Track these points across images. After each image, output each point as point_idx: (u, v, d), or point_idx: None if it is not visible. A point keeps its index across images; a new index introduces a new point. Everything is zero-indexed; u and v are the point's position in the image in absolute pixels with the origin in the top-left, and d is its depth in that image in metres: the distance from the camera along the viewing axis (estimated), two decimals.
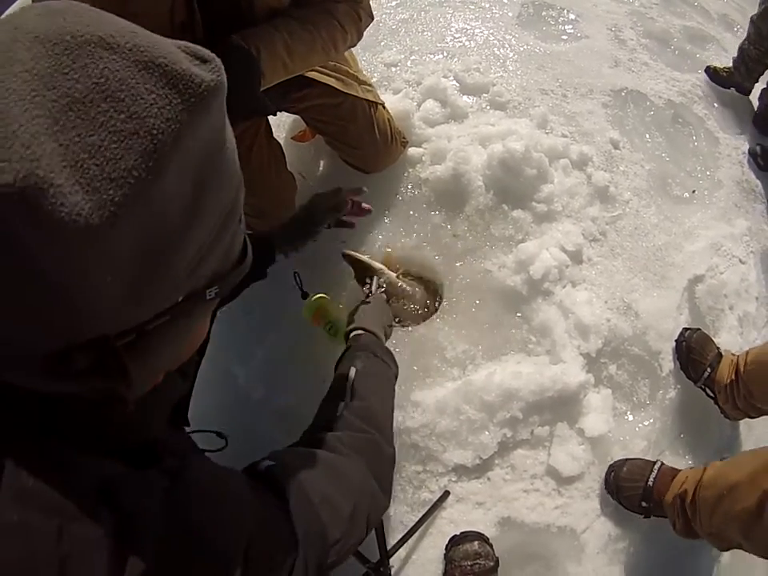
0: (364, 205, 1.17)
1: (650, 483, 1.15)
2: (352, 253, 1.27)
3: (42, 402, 0.37)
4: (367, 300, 1.13)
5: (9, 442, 0.35)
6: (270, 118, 1.36)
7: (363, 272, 1.26)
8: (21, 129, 0.26)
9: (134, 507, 0.37)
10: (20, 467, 0.34)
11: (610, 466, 1.23)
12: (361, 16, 1.13)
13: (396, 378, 0.96)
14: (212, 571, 0.42)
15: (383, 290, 1.22)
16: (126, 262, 0.31)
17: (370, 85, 1.38)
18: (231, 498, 0.48)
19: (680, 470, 1.16)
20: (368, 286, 1.22)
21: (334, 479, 0.66)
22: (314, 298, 1.22)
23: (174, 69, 0.31)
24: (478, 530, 1.17)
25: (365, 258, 1.27)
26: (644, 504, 1.16)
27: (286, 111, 1.36)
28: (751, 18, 1.90)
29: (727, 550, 1.03)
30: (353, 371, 0.85)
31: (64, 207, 0.27)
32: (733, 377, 1.23)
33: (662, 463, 1.19)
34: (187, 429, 0.70)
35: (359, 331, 0.99)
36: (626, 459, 1.22)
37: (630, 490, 1.18)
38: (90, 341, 0.33)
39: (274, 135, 1.39)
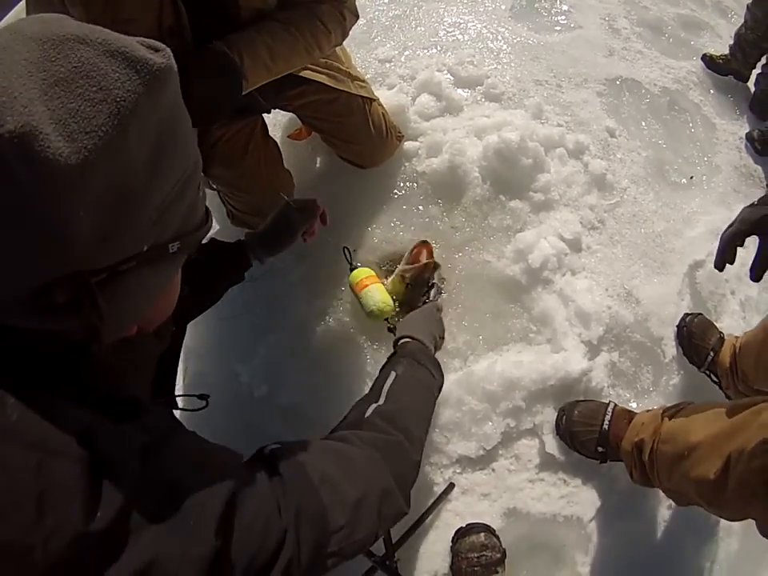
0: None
1: (605, 427, 1.14)
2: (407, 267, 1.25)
3: (24, 349, 0.42)
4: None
5: None
6: (266, 117, 1.37)
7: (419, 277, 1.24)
8: (20, 95, 0.36)
9: (113, 454, 0.41)
10: (5, 404, 0.38)
11: (560, 409, 1.21)
12: (345, 15, 1.13)
13: (440, 389, 0.92)
14: (183, 527, 0.42)
15: (441, 295, 1.19)
16: (98, 202, 0.39)
17: (363, 81, 1.39)
18: (212, 462, 0.50)
19: (635, 413, 1.14)
20: (425, 294, 1.20)
21: (339, 464, 0.64)
22: (359, 270, 1.24)
23: (133, 54, 0.40)
24: (484, 522, 1.16)
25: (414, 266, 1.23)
26: (600, 449, 1.14)
27: (281, 109, 1.37)
28: (747, 4, 1.90)
29: (686, 506, 1.00)
30: (392, 375, 0.84)
31: (49, 150, 0.35)
32: (731, 360, 1.22)
33: (615, 404, 1.18)
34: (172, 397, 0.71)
35: (406, 339, 0.98)
36: (577, 401, 1.21)
37: (584, 434, 1.16)
38: (66, 276, 0.39)
39: (271, 134, 1.39)
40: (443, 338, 1.07)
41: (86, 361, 0.44)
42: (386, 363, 0.93)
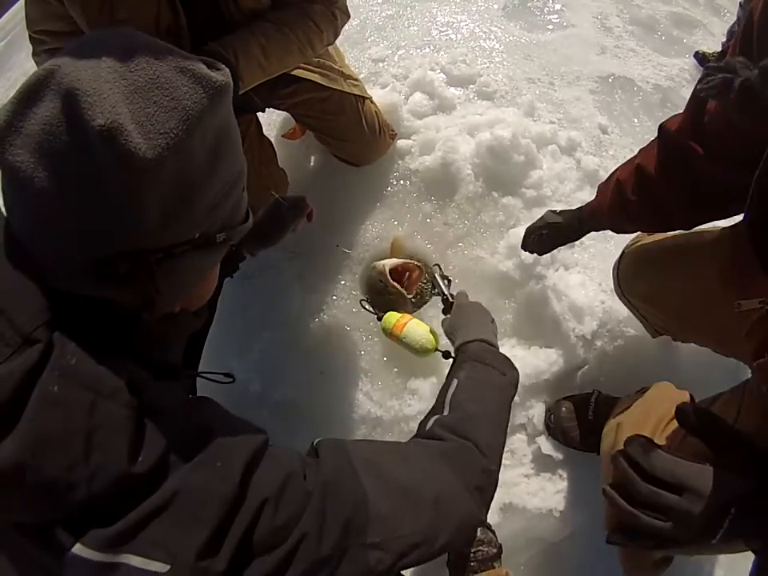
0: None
1: (590, 417, 1.14)
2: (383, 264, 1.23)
3: (86, 313, 0.47)
4: (449, 302, 1.08)
5: (61, 331, 0.44)
6: (261, 117, 1.38)
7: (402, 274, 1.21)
8: (109, 97, 0.43)
9: (158, 403, 0.46)
10: (67, 350, 0.44)
11: (546, 410, 1.21)
12: (337, 15, 1.14)
13: (515, 386, 0.84)
14: (210, 466, 0.46)
15: (448, 281, 1.13)
16: (165, 191, 0.45)
17: (356, 79, 1.40)
18: (241, 423, 0.54)
19: (616, 399, 1.12)
20: (434, 289, 1.14)
21: (390, 455, 0.61)
22: (388, 315, 1.18)
23: (199, 72, 0.48)
24: None
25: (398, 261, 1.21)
26: (592, 440, 1.10)
27: (275, 108, 1.38)
28: (740, 2, 1.90)
29: None
30: (454, 383, 0.78)
31: (131, 144, 0.42)
32: None
33: (599, 393, 1.18)
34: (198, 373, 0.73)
35: (469, 341, 0.90)
36: (562, 399, 1.20)
37: (574, 429, 1.16)
38: (130, 252, 0.46)
39: (265, 134, 1.40)
40: (494, 320, 0.99)
41: (137, 327, 0.50)
42: (449, 372, 0.85)
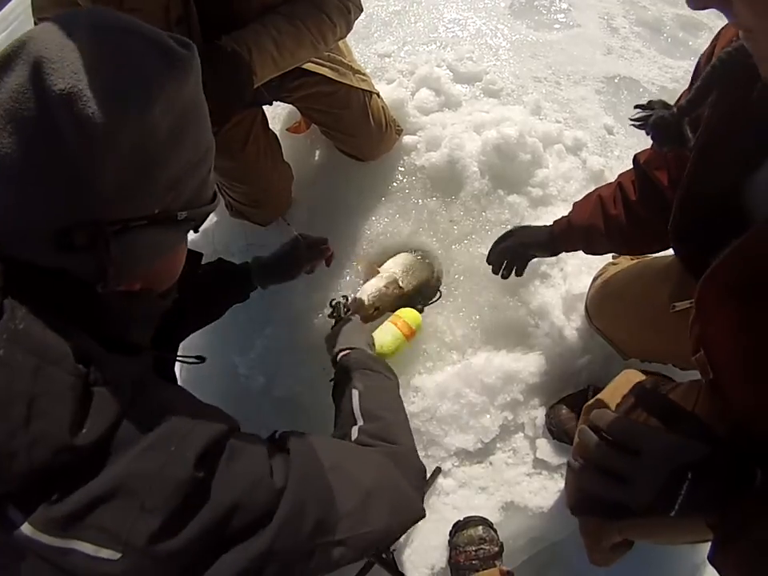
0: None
1: None
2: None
3: (41, 283, 0.47)
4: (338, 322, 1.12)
5: (12, 297, 0.45)
6: (266, 110, 1.37)
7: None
8: (72, 64, 0.43)
9: (108, 376, 0.45)
10: (16, 315, 0.43)
11: (546, 415, 1.21)
12: (350, 8, 1.14)
13: (398, 386, 0.92)
14: (163, 450, 0.45)
15: (348, 311, 1.17)
16: (122, 160, 0.45)
17: (364, 74, 1.39)
18: (204, 409, 0.52)
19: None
20: (332, 311, 1.17)
21: (350, 455, 0.64)
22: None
23: (165, 45, 0.48)
24: (482, 515, 1.16)
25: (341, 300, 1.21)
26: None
27: (281, 101, 1.37)
28: None
29: None
30: (355, 394, 0.81)
31: (89, 109, 0.43)
32: None
33: (594, 387, 1.18)
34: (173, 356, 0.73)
35: (346, 351, 0.97)
36: (558, 401, 1.21)
37: (576, 428, 1.17)
38: (87, 222, 0.46)
39: (270, 127, 1.39)
40: (372, 344, 1.07)
41: (92, 300, 0.50)
42: (336, 383, 0.90)
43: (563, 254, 1.34)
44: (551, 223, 1.08)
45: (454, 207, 1.41)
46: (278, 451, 0.56)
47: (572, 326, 1.27)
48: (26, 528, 0.40)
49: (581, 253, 1.38)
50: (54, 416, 0.41)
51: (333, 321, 1.16)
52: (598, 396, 0.75)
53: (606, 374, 1.24)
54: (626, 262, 1.13)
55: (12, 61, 0.44)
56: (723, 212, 0.56)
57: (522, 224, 1.38)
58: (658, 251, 0.97)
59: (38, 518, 0.40)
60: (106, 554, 0.41)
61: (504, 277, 1.14)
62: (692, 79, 0.70)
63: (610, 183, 0.99)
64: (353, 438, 0.73)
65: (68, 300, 0.48)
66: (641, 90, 1.85)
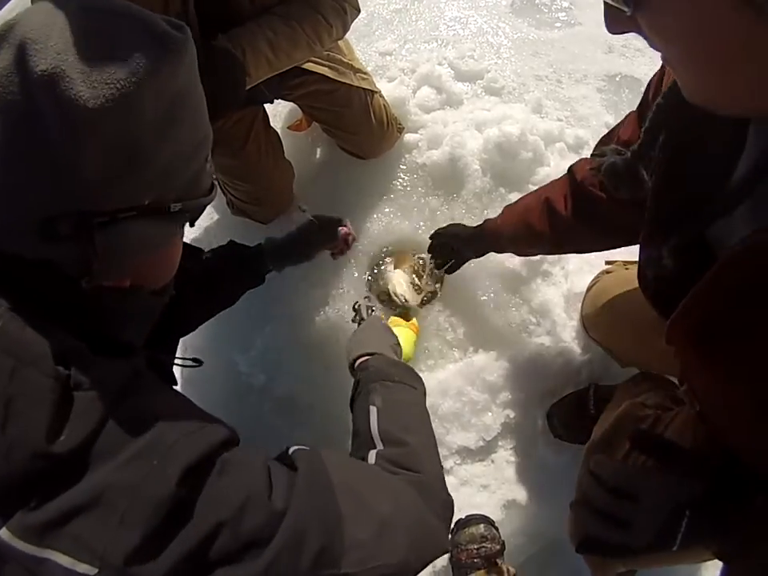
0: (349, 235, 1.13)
1: (592, 411, 1.14)
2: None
3: (25, 276, 0.45)
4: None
5: None
6: (267, 107, 1.37)
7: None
8: (56, 45, 0.41)
9: (90, 380, 0.42)
10: None
11: (547, 416, 1.21)
12: (346, 9, 1.13)
13: (424, 394, 0.81)
14: (144, 464, 0.41)
15: (374, 311, 1.12)
16: (108, 146, 0.43)
17: (365, 73, 1.39)
18: (197, 418, 0.47)
19: (613, 388, 1.12)
20: (356, 315, 1.12)
21: (367, 479, 0.58)
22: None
23: (158, 28, 0.45)
24: (484, 513, 1.16)
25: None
26: None
27: (282, 99, 1.37)
28: None
29: None
30: (373, 411, 0.72)
31: (72, 91, 0.40)
32: None
33: (595, 385, 1.18)
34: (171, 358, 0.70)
35: (364, 357, 0.86)
36: (559, 401, 1.20)
37: (579, 426, 1.16)
38: (72, 212, 0.44)
39: (271, 125, 1.39)
40: (399, 344, 0.96)
41: (78, 295, 0.47)
42: (353, 395, 0.80)
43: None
44: (482, 222, 1.12)
45: (456, 205, 1.41)
46: (283, 469, 0.51)
47: (573, 324, 1.27)
48: (3, 533, 0.38)
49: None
50: (30, 420, 0.39)
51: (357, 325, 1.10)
52: (598, 436, 0.75)
53: (606, 372, 1.24)
54: (619, 269, 1.13)
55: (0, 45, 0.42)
56: (688, 252, 0.54)
57: None
58: (606, 249, 0.98)
59: (16, 524, 0.39)
60: (82, 568, 0.39)
61: (449, 272, 1.20)
62: (644, 93, 0.69)
63: (537, 192, 0.99)
64: (370, 462, 0.65)
65: (52, 295, 0.46)
66: (642, 88, 1.82)
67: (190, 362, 0.67)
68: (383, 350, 0.87)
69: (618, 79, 1.83)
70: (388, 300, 1.31)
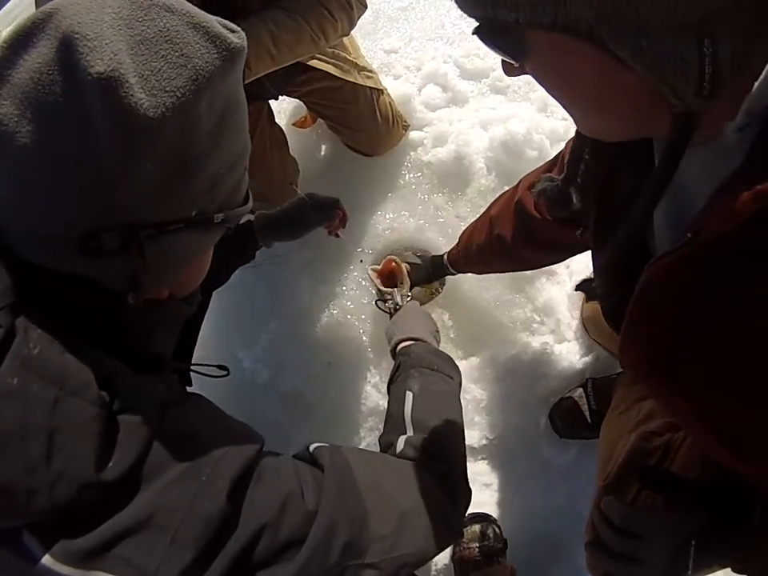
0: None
1: (594, 407, 1.15)
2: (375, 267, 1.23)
3: (62, 293, 0.43)
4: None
5: (25, 315, 0.40)
6: (272, 104, 1.37)
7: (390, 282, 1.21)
8: (111, 43, 0.37)
9: (133, 401, 0.41)
10: (30, 337, 0.39)
11: (549, 416, 1.22)
12: (352, 5, 1.13)
13: (459, 385, 0.83)
14: (194, 481, 0.41)
15: (410, 298, 1.13)
16: (163, 158, 0.41)
17: (371, 71, 1.39)
18: (232, 429, 0.48)
19: (612, 380, 1.15)
20: (390, 302, 1.13)
21: (388, 472, 0.59)
22: None
23: (213, 30, 0.42)
24: (486, 512, 1.16)
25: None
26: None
27: (287, 96, 1.37)
28: None
29: None
30: (409, 397, 0.73)
31: (131, 98, 0.37)
32: None
33: (593, 380, 1.19)
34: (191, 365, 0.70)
35: (407, 342, 0.88)
36: (560, 399, 1.21)
37: (582, 424, 1.17)
38: (118, 225, 0.41)
39: (276, 122, 1.39)
40: (438, 331, 0.99)
41: (120, 312, 0.45)
42: (393, 376, 0.83)
43: None
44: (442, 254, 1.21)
45: (461, 203, 1.41)
46: (309, 469, 0.52)
47: (577, 323, 1.27)
48: (46, 560, 0.37)
49: (588, 250, 1.39)
50: (77, 451, 0.38)
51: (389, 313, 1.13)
52: (612, 476, 0.76)
53: (611, 371, 1.24)
54: None
55: (34, 36, 0.38)
56: (617, 270, 0.55)
57: None
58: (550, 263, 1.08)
59: (59, 550, 0.38)
60: None
61: None
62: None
63: (487, 210, 1.05)
64: (398, 450, 0.67)
65: (91, 313, 0.44)
66: None
67: (215, 370, 0.68)
68: (426, 337, 0.89)
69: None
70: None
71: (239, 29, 0.46)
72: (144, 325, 0.48)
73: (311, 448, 0.56)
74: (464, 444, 0.73)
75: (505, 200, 0.98)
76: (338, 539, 0.48)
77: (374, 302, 1.25)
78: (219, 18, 0.45)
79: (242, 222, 0.99)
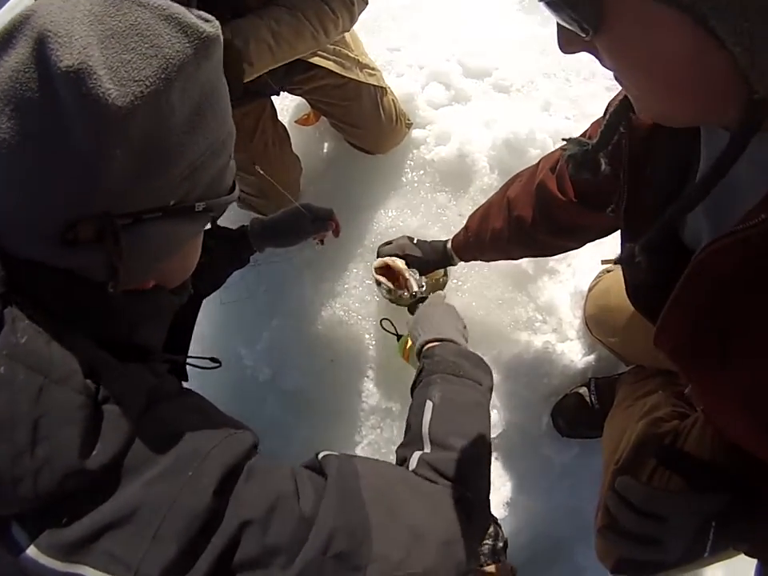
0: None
1: (596, 406, 1.15)
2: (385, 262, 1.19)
3: (46, 284, 0.44)
4: (420, 300, 1.04)
5: (14, 306, 0.41)
6: (275, 101, 1.36)
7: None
8: (81, 38, 0.39)
9: (119, 390, 0.42)
10: (17, 327, 0.40)
11: (551, 416, 1.22)
12: (353, 0, 1.12)
13: (490, 389, 0.76)
14: (179, 476, 0.41)
15: (424, 288, 1.10)
16: (135, 147, 0.41)
17: (373, 69, 1.38)
18: (224, 423, 0.47)
19: (615, 380, 1.14)
20: (405, 293, 1.10)
21: (403, 490, 0.55)
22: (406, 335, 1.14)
23: (185, 20, 0.43)
24: None
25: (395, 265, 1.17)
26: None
27: (290, 93, 1.36)
28: None
29: None
30: (428, 408, 0.67)
31: (100, 89, 0.38)
32: None
33: (595, 379, 1.18)
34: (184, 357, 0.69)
35: (434, 343, 0.82)
36: (562, 398, 1.21)
37: (584, 423, 1.17)
38: (95, 215, 0.42)
39: (279, 119, 1.39)
40: (466, 327, 0.92)
41: (102, 302, 0.46)
42: (415, 381, 0.77)
43: (573, 251, 1.35)
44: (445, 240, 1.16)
45: (463, 201, 1.40)
46: (310, 475, 0.50)
47: (579, 322, 1.27)
48: (31, 551, 0.38)
49: (589, 248, 1.38)
50: (61, 439, 0.38)
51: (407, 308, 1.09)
52: (624, 458, 0.76)
53: (613, 371, 1.24)
54: (620, 269, 1.13)
55: (13, 37, 0.40)
56: (661, 253, 0.54)
57: None
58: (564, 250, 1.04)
59: (44, 542, 0.38)
60: None
61: None
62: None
63: (502, 189, 1.02)
64: (411, 468, 0.61)
65: (76, 303, 0.45)
66: None
67: (207, 362, 0.67)
68: (453, 336, 0.83)
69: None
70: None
71: (213, 18, 0.46)
72: (129, 315, 0.48)
73: (320, 456, 0.54)
74: (488, 463, 0.67)
75: (525, 181, 0.94)
76: (335, 551, 0.45)
77: (380, 322, 1.19)
78: (194, 9, 0.46)
79: (237, 227, 1.01)
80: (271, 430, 1.22)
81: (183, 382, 0.69)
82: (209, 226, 0.55)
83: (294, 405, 1.27)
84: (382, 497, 0.51)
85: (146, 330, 0.51)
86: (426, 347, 0.83)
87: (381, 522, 0.49)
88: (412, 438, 0.67)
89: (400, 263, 1.16)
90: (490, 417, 0.72)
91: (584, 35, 0.37)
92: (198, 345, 1.39)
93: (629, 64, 0.38)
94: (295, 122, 1.57)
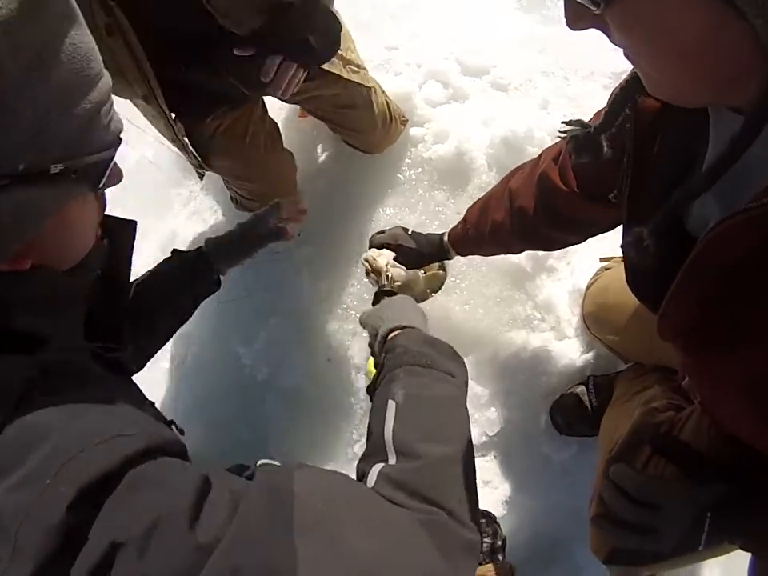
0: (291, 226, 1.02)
1: (595, 404, 1.14)
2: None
3: None
4: (386, 293, 0.99)
5: None
6: (269, 99, 1.35)
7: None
8: None
9: None
10: None
11: (549, 414, 1.21)
12: None
13: (465, 383, 0.64)
14: (35, 482, 0.36)
15: (398, 283, 1.06)
16: None
17: (358, 66, 1.35)
18: (122, 419, 0.41)
19: (613, 378, 1.14)
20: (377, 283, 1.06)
21: (357, 512, 0.43)
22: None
23: None
24: (485, 509, 1.15)
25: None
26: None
27: (285, 102, 1.35)
28: None
29: None
30: (391, 408, 0.55)
31: None
32: None
33: (594, 377, 1.18)
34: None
35: (396, 332, 0.69)
36: (560, 397, 1.21)
37: (583, 422, 1.17)
38: None
39: (273, 117, 1.37)
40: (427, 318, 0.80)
41: None
42: (374, 380, 0.65)
43: (572, 249, 1.34)
44: (441, 233, 1.14)
45: (461, 200, 1.40)
46: (231, 489, 0.40)
47: (577, 320, 1.27)
48: None
49: (588, 246, 1.38)
50: None
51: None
52: (615, 447, 0.75)
53: (612, 368, 1.24)
54: (618, 265, 1.12)
55: None
56: (667, 237, 0.52)
57: None
58: (565, 245, 1.01)
59: None
60: None
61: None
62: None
63: (503, 181, 1.00)
64: (369, 485, 0.49)
65: None
66: None
67: (113, 349, 0.57)
68: (417, 323, 0.71)
69: (624, 76, 1.82)
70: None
71: None
72: (6, 299, 0.44)
73: (258, 463, 0.46)
74: (471, 470, 0.54)
75: (527, 173, 0.92)
76: None
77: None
78: None
79: (192, 252, 0.92)
80: (269, 428, 1.22)
81: (132, 374, 0.63)
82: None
83: (292, 403, 1.27)
84: (322, 522, 0.39)
85: (31, 317, 0.46)
86: (388, 338, 0.69)
87: (314, 558, 0.36)
88: (373, 448, 0.54)
89: (383, 260, 1.11)
90: (467, 414, 0.60)
91: (594, 8, 0.35)
92: (196, 345, 1.41)
93: (642, 39, 0.36)
94: (298, 117, 1.56)
